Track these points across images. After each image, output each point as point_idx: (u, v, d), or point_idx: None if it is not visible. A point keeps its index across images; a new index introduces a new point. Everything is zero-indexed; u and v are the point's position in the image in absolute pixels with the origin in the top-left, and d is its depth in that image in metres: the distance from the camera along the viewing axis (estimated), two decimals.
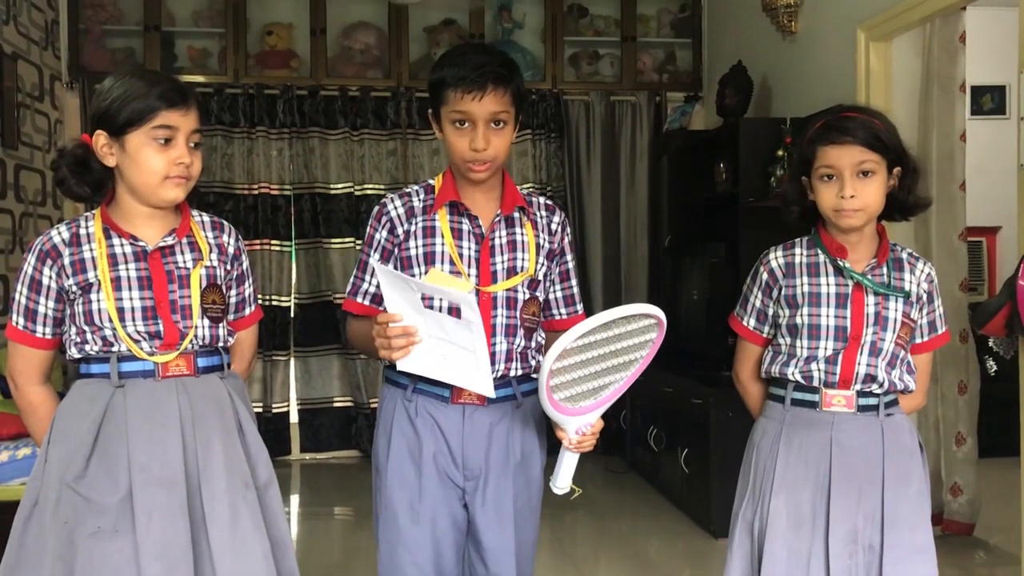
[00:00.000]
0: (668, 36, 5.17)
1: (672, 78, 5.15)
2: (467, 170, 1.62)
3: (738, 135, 3.79)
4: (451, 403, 1.64)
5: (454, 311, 1.48)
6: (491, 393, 1.52)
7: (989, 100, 5.20)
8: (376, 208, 1.71)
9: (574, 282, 1.79)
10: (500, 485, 1.66)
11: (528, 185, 4.85)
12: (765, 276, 1.76)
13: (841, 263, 1.67)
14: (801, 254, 1.73)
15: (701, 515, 3.59)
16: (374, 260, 1.63)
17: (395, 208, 1.68)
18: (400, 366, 1.54)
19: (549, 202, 1.78)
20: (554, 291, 1.76)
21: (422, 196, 1.69)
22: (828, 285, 1.68)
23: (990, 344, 4.67)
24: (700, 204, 4.39)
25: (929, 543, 1.68)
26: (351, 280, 1.73)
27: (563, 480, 1.59)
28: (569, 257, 1.77)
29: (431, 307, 1.50)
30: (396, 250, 1.67)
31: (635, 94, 5.02)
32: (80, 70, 4.62)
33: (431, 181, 1.71)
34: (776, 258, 1.75)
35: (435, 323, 1.48)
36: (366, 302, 1.70)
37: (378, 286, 1.61)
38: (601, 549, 3.49)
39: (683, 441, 3.76)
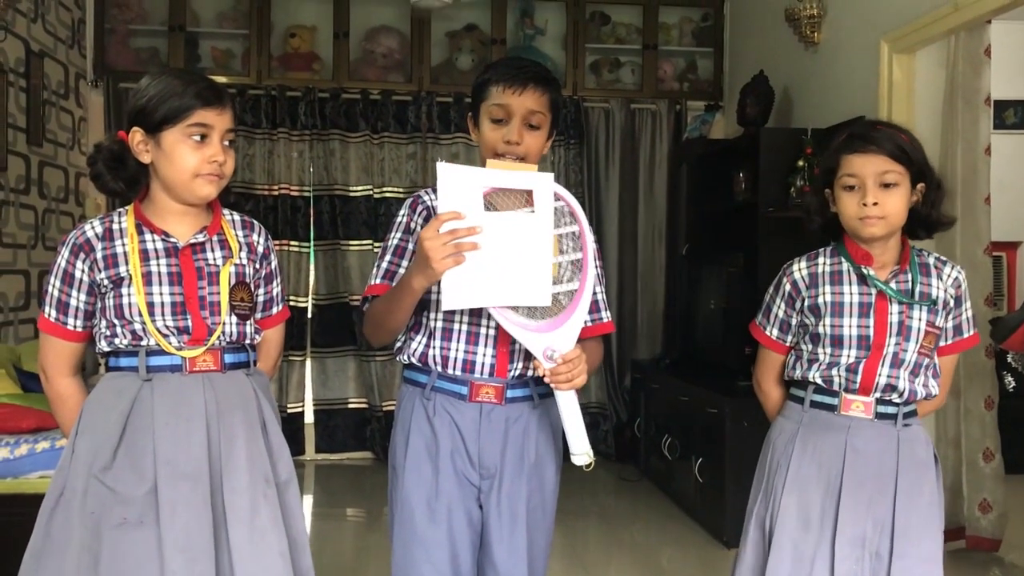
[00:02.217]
0: (690, 45, 5.17)
1: (693, 87, 5.16)
2: None
3: (758, 145, 3.78)
4: (468, 401, 1.64)
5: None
6: (547, 301, 1.51)
7: (1012, 115, 5.16)
8: (410, 199, 1.71)
9: (599, 288, 1.77)
10: (514, 485, 1.66)
11: None
12: (788, 287, 1.76)
13: (865, 270, 1.67)
14: (824, 263, 1.73)
15: (714, 525, 3.58)
16: (440, 163, 1.52)
17: (432, 201, 1.68)
18: (447, 302, 1.47)
19: None
20: None
21: None
22: (851, 294, 1.68)
23: (1008, 359, 4.63)
24: (718, 213, 4.37)
25: (937, 555, 1.68)
26: (379, 266, 1.67)
27: (575, 444, 1.56)
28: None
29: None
30: None
31: (655, 102, 5.03)
32: (105, 69, 4.66)
33: None
34: (799, 269, 1.75)
35: (497, 224, 1.44)
36: None
37: None
38: (613, 557, 3.48)
39: (697, 450, 3.75)
